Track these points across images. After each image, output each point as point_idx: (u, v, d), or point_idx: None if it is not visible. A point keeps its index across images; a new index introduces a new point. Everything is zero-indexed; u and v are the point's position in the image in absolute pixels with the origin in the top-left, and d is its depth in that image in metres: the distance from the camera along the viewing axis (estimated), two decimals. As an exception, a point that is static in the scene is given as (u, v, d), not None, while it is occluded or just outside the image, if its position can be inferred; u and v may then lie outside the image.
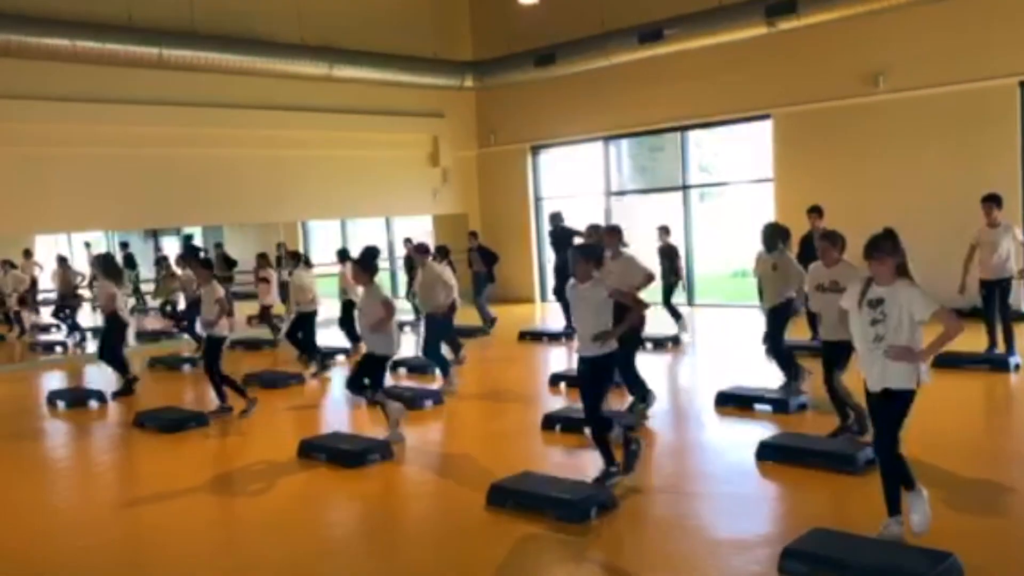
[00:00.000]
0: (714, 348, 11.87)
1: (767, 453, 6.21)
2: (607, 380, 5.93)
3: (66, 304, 15.38)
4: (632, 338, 7.33)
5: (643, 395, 7.75)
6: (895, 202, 12.41)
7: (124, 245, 18.13)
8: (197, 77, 13.82)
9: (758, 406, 7.70)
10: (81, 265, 16.70)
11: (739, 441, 6.77)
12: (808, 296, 6.83)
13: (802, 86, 13.84)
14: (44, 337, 15.99)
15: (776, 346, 8.10)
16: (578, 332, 5.89)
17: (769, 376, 8.39)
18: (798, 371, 8.05)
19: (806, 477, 5.81)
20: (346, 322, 12.14)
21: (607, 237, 7.79)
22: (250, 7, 14.68)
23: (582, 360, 5.83)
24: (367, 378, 7.29)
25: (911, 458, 4.62)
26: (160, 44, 12.92)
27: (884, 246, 4.35)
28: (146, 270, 20.22)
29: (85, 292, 15.68)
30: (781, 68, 13.97)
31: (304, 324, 11.20)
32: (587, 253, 5.89)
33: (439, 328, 9.86)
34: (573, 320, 6.02)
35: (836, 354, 6.36)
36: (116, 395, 10.06)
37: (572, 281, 5.87)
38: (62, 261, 16.22)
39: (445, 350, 10.09)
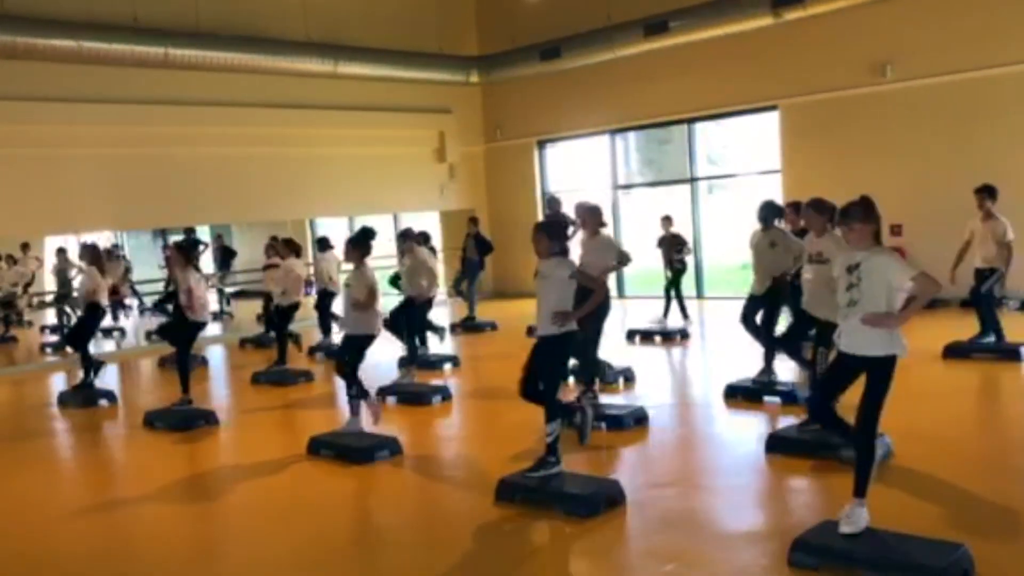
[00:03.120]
0: (722, 340, 11.82)
1: (776, 445, 6.18)
2: (563, 361, 5.75)
3: (64, 301, 15.38)
4: (595, 322, 7.03)
5: (591, 380, 7.54)
6: (904, 192, 12.35)
7: (116, 247, 18.23)
8: (203, 76, 13.84)
9: (767, 398, 7.67)
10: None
11: (748, 434, 6.74)
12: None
13: (809, 77, 13.77)
14: (53, 337, 16.06)
15: (768, 328, 7.82)
16: (537, 310, 5.52)
17: (779, 368, 8.33)
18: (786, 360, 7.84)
19: (816, 469, 5.78)
20: (321, 310, 12.21)
21: (587, 216, 7.71)
22: (255, 5, 14.69)
23: (539, 339, 5.54)
24: (347, 358, 7.19)
25: (921, 451, 4.58)
26: (166, 44, 12.95)
27: (855, 212, 4.33)
28: (149, 269, 20.34)
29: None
30: (788, 59, 13.90)
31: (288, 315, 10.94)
32: (549, 229, 5.59)
33: (413, 313, 9.98)
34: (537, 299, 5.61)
35: (817, 330, 6.27)
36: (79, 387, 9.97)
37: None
38: (60, 252, 16.26)
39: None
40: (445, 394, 8.79)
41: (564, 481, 5.53)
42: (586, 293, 5.55)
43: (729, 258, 18.45)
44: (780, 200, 13.94)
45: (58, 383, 11.61)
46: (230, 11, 14.30)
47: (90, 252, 10.25)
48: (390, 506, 5.97)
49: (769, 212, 7.79)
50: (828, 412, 4.60)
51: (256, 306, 16.53)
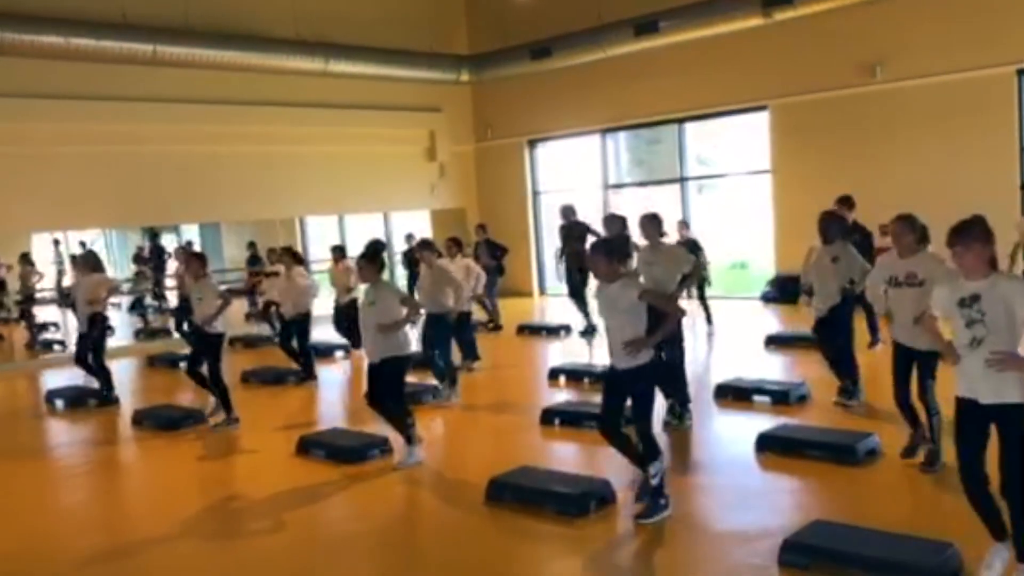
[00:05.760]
0: (713, 340, 11.84)
1: (767, 445, 6.20)
2: (650, 392, 5.10)
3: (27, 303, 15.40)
4: (674, 342, 6.73)
5: (683, 404, 7.15)
6: (893, 192, 12.33)
7: (82, 245, 17.87)
8: (192, 73, 13.76)
9: (757, 398, 7.68)
10: (44, 264, 16.72)
11: (739, 433, 6.75)
12: (870, 293, 6.04)
13: (799, 77, 13.79)
14: (43, 336, 15.95)
15: (847, 347, 7.23)
16: (609, 340, 5.07)
17: (769, 368, 8.35)
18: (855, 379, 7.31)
19: (806, 469, 5.80)
20: (341, 323, 11.44)
21: (647, 226, 7.13)
22: (244, 3, 14.62)
23: (616, 371, 5.09)
24: (396, 388, 6.57)
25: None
26: (154, 41, 12.87)
27: (976, 232, 3.80)
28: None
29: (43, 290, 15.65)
30: (778, 59, 13.92)
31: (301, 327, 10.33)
32: (610, 250, 5.05)
33: (445, 331, 9.04)
34: (605, 328, 5.17)
35: (919, 362, 5.45)
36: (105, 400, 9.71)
37: (599, 283, 5.13)
38: (24, 257, 16.14)
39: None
40: (436, 393, 8.76)
41: (554, 480, 5.53)
42: (655, 313, 5.04)
43: (719, 258, 18.51)
44: (771, 200, 14.17)
45: (47, 381, 11.53)
46: (219, 9, 14.23)
47: (89, 259, 9.85)
48: (380, 506, 5.95)
49: (834, 225, 7.31)
50: (983, 484, 3.90)
51: (242, 305, 16.48)
